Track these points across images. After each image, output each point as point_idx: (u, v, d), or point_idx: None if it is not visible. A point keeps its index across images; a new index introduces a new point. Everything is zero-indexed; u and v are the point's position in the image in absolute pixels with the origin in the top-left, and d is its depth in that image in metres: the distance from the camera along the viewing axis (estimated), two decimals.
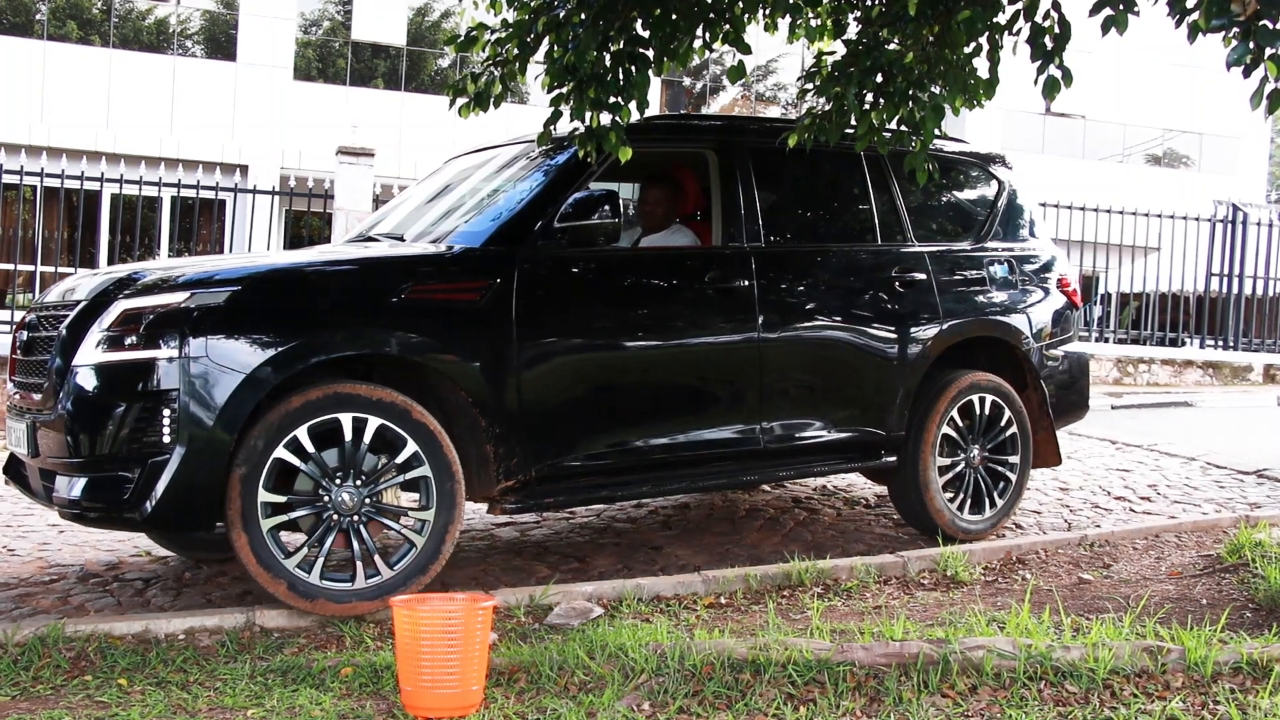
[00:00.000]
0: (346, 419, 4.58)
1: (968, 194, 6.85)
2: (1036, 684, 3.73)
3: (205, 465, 4.38)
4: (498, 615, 4.70)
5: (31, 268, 12.81)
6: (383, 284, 4.81)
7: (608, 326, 5.27)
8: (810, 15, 5.74)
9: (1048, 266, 6.85)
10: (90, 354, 4.46)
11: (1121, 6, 4.46)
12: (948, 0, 5.03)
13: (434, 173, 6.50)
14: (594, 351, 5.24)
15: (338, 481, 4.59)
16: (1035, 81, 4.88)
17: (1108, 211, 15.15)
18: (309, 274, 4.84)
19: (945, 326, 6.22)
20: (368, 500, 4.65)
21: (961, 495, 6.25)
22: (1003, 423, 6.36)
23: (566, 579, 5.41)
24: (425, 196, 6.06)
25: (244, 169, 21.70)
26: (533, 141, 5.69)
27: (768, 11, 5.45)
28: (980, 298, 6.42)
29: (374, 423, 4.63)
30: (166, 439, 4.36)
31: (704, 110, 28.14)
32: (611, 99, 5.05)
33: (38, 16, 23.49)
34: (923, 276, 6.20)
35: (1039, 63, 4.89)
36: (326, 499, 4.58)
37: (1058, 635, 4.24)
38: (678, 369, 5.47)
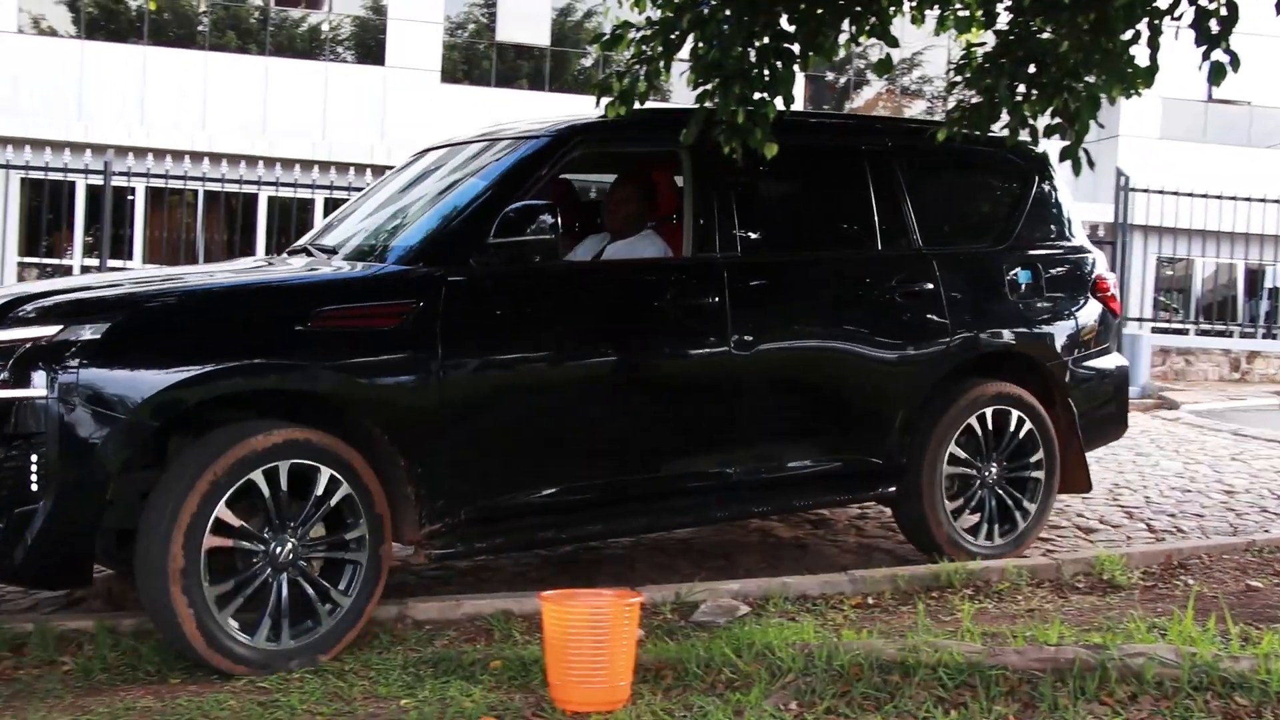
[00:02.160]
0: (260, 475, 4.09)
1: (989, 190, 6.24)
2: (1202, 695, 3.59)
3: (79, 516, 3.97)
4: (644, 612, 4.71)
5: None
6: (286, 310, 4.36)
7: (549, 351, 4.80)
8: (959, 6, 5.62)
9: (1081, 269, 6.18)
10: None
11: None
12: None
13: (399, 168, 5.93)
14: (532, 379, 4.77)
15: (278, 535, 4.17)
16: (1199, 67, 4.71)
17: (1276, 202, 14.52)
18: (198, 301, 4.41)
19: (956, 341, 5.58)
20: (311, 550, 4.24)
21: (975, 518, 5.68)
22: (1023, 438, 5.72)
23: (712, 577, 5.40)
24: (374, 200, 5.63)
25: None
26: (502, 136, 5.29)
27: (915, 3, 5.37)
28: (998, 307, 5.80)
29: (323, 471, 4.19)
30: (34, 487, 3.92)
31: (847, 106, 27.85)
32: (757, 95, 5.02)
33: (200, 28, 24.40)
34: (929, 285, 5.57)
35: (1203, 48, 4.71)
36: (268, 553, 4.15)
37: (1224, 644, 4.07)
38: (631, 396, 4.98)
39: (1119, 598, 5.12)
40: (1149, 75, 5.04)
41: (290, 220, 13.00)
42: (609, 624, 3.69)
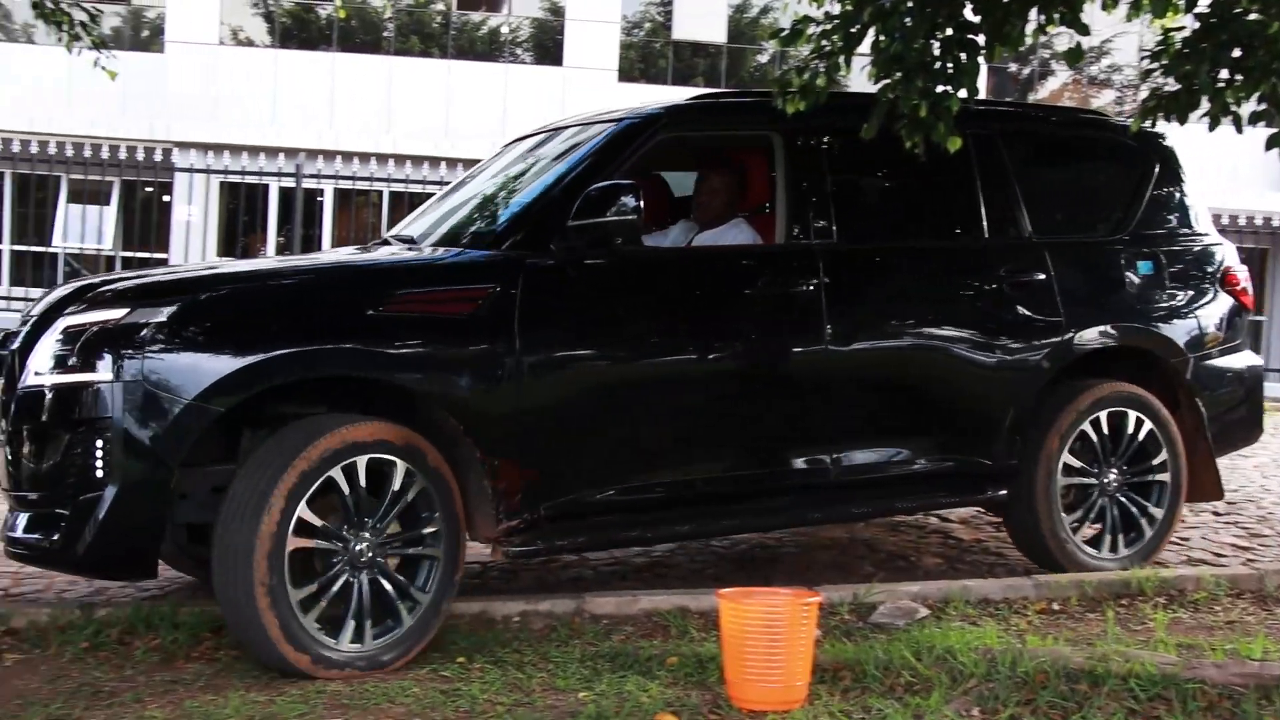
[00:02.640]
0: (363, 461, 4.02)
1: (1106, 176, 5.89)
2: None
3: (143, 505, 3.91)
4: (821, 611, 4.66)
5: None
6: (356, 294, 4.26)
7: (633, 341, 4.61)
8: None
9: (1209, 261, 5.84)
10: (33, 375, 4.06)
11: None
12: None
13: (488, 160, 5.83)
14: (616, 370, 4.57)
15: (359, 531, 4.08)
16: None
17: None
18: (266, 286, 4.32)
19: (1070, 335, 5.29)
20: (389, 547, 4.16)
21: (1094, 528, 5.37)
22: (1145, 441, 5.38)
23: (891, 578, 5.31)
24: (461, 192, 5.53)
25: None
26: (592, 122, 5.16)
27: None
28: (1117, 300, 5.50)
29: (399, 465, 4.10)
30: (99, 474, 3.88)
31: (1031, 98, 27.09)
32: (940, 87, 4.91)
33: (385, 33, 25.15)
34: (1041, 276, 5.30)
35: None
36: (348, 552, 4.06)
37: None
38: (722, 388, 4.76)
39: None
40: None
41: None
42: (786, 623, 3.66)
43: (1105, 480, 5.35)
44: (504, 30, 25.60)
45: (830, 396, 4.92)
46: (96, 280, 4.36)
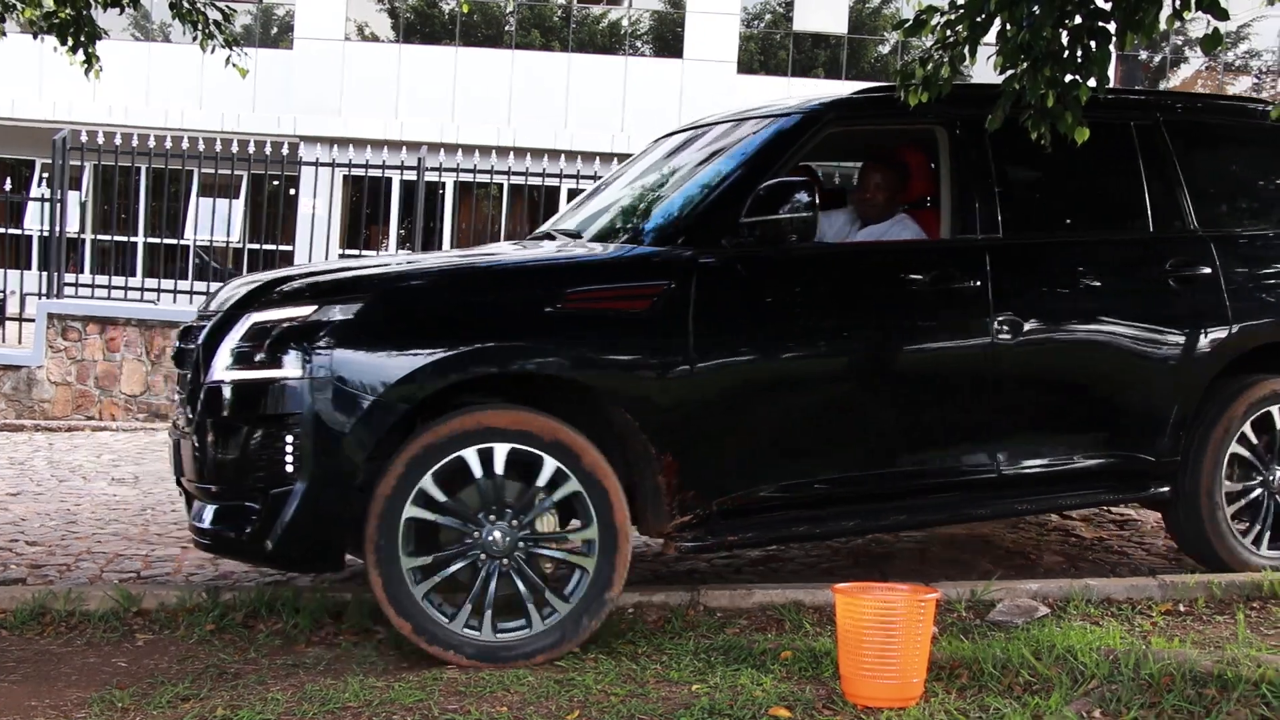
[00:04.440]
0: (503, 451, 4.08)
1: (1261, 167, 5.71)
2: None
3: (332, 499, 4.01)
4: (938, 609, 4.61)
5: None
6: (535, 291, 4.31)
7: (804, 337, 4.60)
8: None
9: None
10: (219, 370, 4.13)
11: None
12: None
13: (640, 154, 5.83)
14: (788, 366, 4.58)
15: (484, 522, 4.09)
16: None
17: None
18: (449, 282, 4.42)
19: (1235, 330, 5.16)
20: (525, 542, 4.13)
21: (1259, 526, 5.22)
22: None
23: (1010, 575, 5.23)
24: (615, 185, 5.53)
25: None
26: (745, 118, 5.13)
27: None
28: None
29: (547, 461, 4.10)
30: (289, 469, 3.99)
31: (1163, 86, 26.34)
32: (1069, 77, 4.80)
33: (507, 27, 25.43)
34: (1207, 270, 5.18)
35: None
36: (480, 538, 4.08)
37: None
38: (891, 384, 4.77)
39: None
40: None
41: None
42: (902, 619, 3.63)
43: (1271, 478, 5.25)
44: (624, 23, 25.70)
45: (997, 393, 4.87)
46: (277, 276, 4.44)
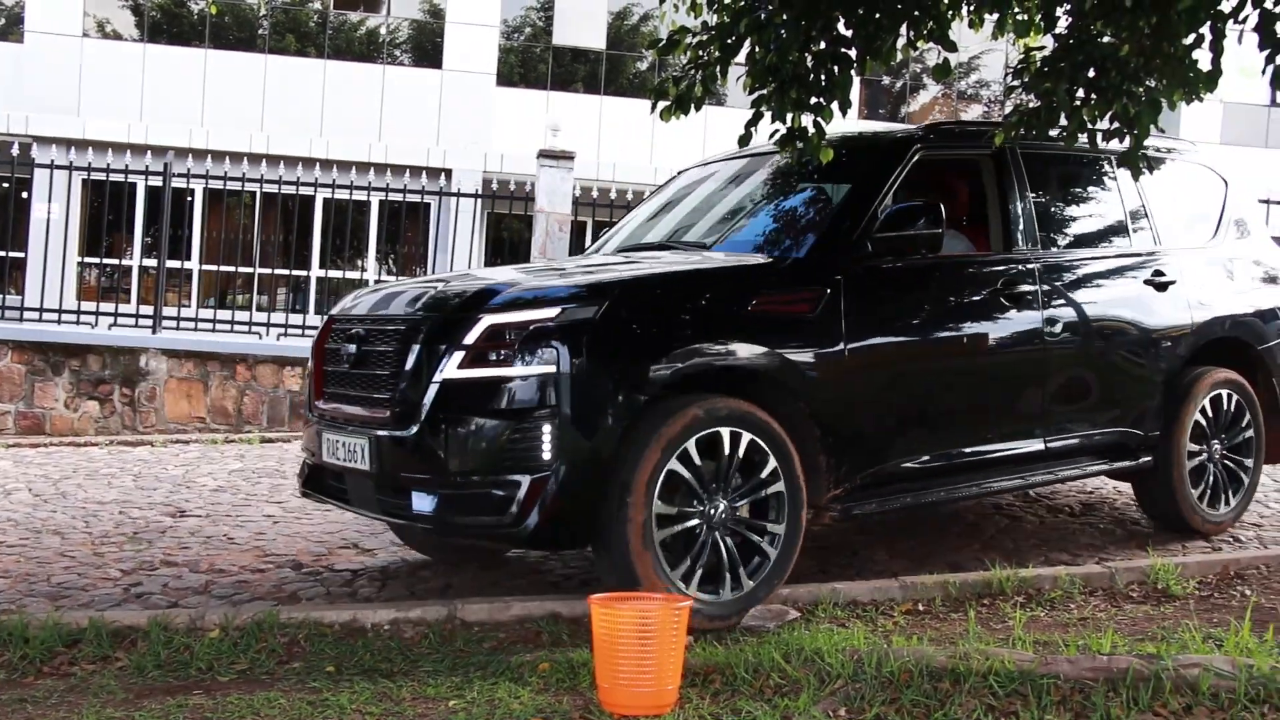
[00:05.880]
0: (726, 434, 4.57)
1: (1197, 194, 6.85)
2: (1259, 707, 3.53)
3: (585, 483, 4.37)
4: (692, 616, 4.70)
5: (250, 270, 13.47)
6: (735, 295, 4.83)
7: (916, 335, 5.35)
8: (1018, 10, 5.57)
9: (1271, 264, 6.90)
10: (457, 370, 4.44)
11: None
12: None
13: (671, 184, 6.59)
14: (906, 360, 5.29)
15: (714, 495, 4.59)
16: (1263, 72, 4.63)
17: None
18: (671, 286, 4.84)
19: (1197, 328, 6.27)
20: (735, 513, 4.64)
21: (1203, 489, 6.29)
22: (1243, 421, 6.42)
23: (909, 569, 5.46)
24: (687, 208, 6.14)
25: (448, 173, 22.33)
26: (768, 153, 5.83)
27: (973, 8, 5.32)
28: (1221, 298, 6.46)
29: (746, 438, 4.61)
30: (547, 456, 4.34)
31: (903, 111, 27.68)
32: (813, 99, 5.00)
33: (260, 31, 24.67)
34: (1175, 279, 6.24)
35: (1267, 52, 4.64)
36: (706, 513, 4.57)
37: None
38: (979, 374, 5.56)
39: (1174, 607, 5.04)
40: (1211, 80, 4.97)
41: (346, 222, 13.10)
42: (657, 628, 3.69)
43: (1213, 449, 6.33)
44: (382, 31, 25.30)
45: (1046, 378, 5.73)
46: (488, 282, 4.82)
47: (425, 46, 25.30)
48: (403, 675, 4.07)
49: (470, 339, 4.43)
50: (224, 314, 12.77)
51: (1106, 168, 6.36)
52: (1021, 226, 5.82)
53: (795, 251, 5.21)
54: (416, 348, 4.55)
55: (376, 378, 4.78)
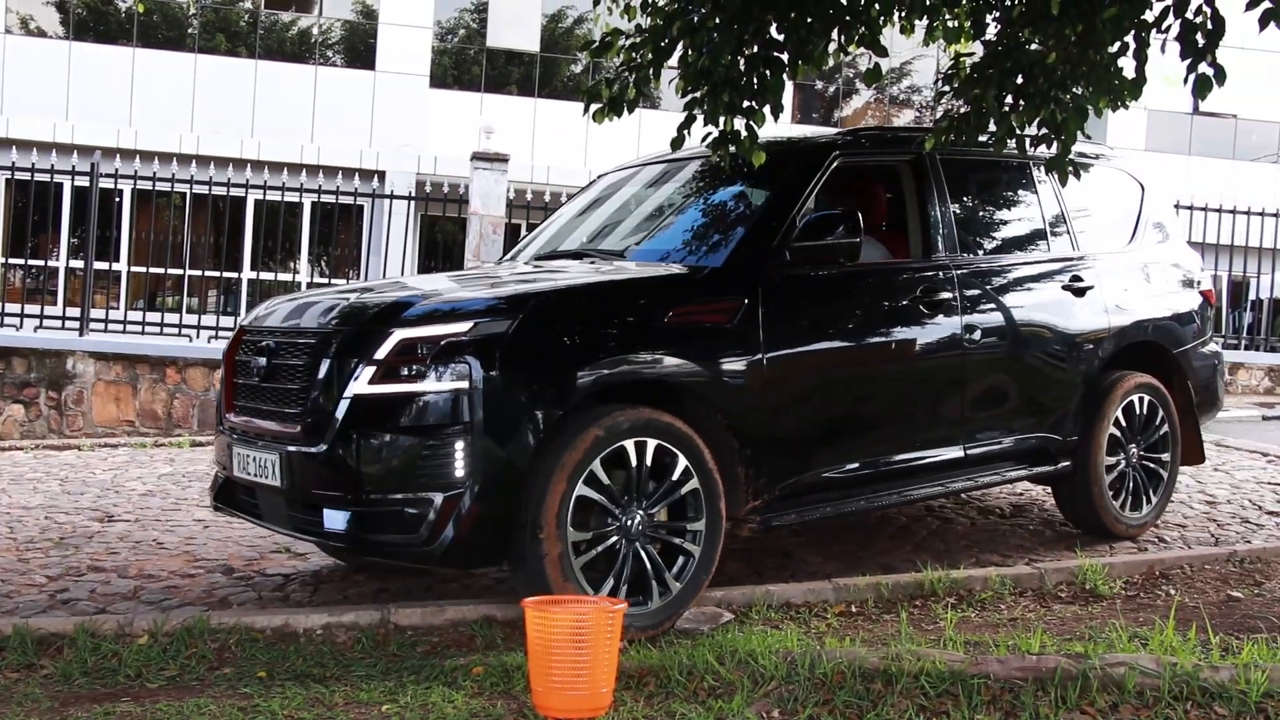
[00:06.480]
0: (631, 445, 4.50)
1: (1114, 200, 6.85)
2: (1182, 705, 3.60)
3: (500, 500, 4.31)
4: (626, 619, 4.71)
5: (181, 272, 13.28)
6: (649, 306, 4.75)
7: (836, 344, 5.29)
8: (948, 16, 5.64)
9: (1188, 268, 6.95)
10: (368, 385, 4.34)
11: None
12: None
13: (592, 187, 6.52)
14: (826, 370, 5.24)
15: (629, 508, 4.54)
16: (1185, 80, 4.73)
17: (1260, 214, 14.59)
18: (585, 298, 4.75)
19: (1114, 332, 6.31)
20: (652, 519, 4.60)
21: (1122, 494, 6.34)
22: (1157, 423, 6.47)
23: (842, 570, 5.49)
24: (605, 213, 6.10)
25: (381, 175, 22.19)
26: (689, 158, 5.84)
27: (904, 13, 5.38)
28: (1139, 302, 6.50)
29: (651, 444, 4.55)
30: (460, 473, 4.26)
31: (836, 115, 27.91)
32: (746, 103, 5.03)
33: (189, 30, 24.35)
34: (1092, 284, 6.26)
35: (1189, 60, 4.73)
36: (624, 526, 4.52)
37: (1205, 654, 4.09)
38: (898, 383, 5.53)
39: (1101, 607, 5.13)
40: (1136, 88, 5.07)
41: (278, 224, 12.97)
42: (592, 631, 3.69)
43: (1130, 453, 6.38)
44: (314, 31, 25.07)
45: (964, 387, 5.70)
46: (400, 295, 4.76)
47: (358, 47, 25.12)
48: (335, 680, 4.03)
49: (381, 354, 4.33)
50: (154, 316, 12.60)
51: (1026, 174, 6.36)
52: (940, 233, 5.79)
53: (712, 260, 5.12)
54: (328, 361, 4.45)
55: (287, 391, 4.66)
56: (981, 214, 6.27)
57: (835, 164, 5.46)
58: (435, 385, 4.27)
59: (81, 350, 10.41)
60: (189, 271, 12.85)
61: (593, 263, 5.44)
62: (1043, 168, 6.04)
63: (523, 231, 21.49)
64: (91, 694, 3.90)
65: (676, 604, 4.62)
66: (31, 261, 15.35)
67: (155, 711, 3.69)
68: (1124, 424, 6.30)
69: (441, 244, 22.53)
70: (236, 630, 4.49)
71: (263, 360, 4.79)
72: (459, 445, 4.25)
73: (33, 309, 11.82)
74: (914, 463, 5.53)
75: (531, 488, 4.33)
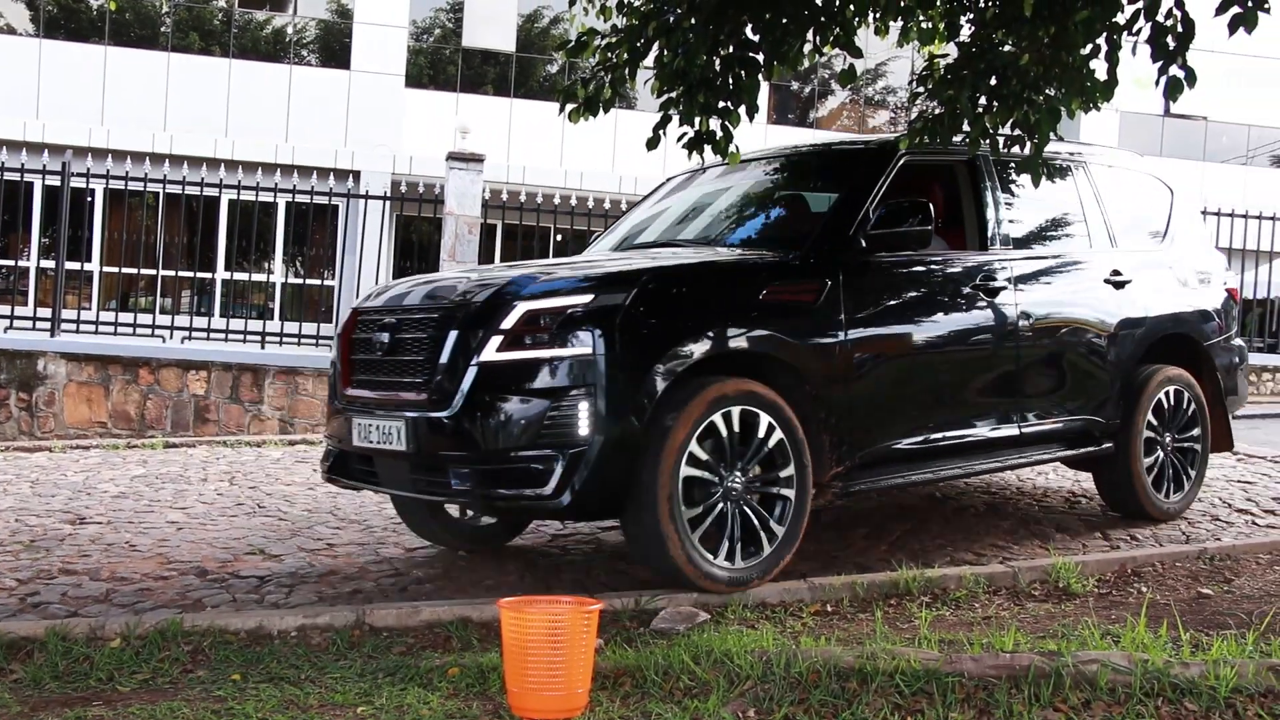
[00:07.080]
0: (737, 412, 4.86)
1: (1148, 202, 7.33)
2: (1153, 701, 3.63)
3: (620, 456, 4.65)
4: (603, 619, 4.70)
5: (154, 272, 13.21)
6: (747, 285, 5.14)
7: (908, 323, 5.71)
8: (922, 18, 5.67)
9: (1214, 266, 7.44)
10: (495, 353, 4.72)
11: (1251, 3, 4.33)
12: (1065, 1, 4.93)
13: (660, 189, 7.03)
14: (900, 347, 5.63)
15: (733, 470, 4.90)
16: (1156, 83, 4.76)
17: (1229, 215, 14.72)
18: (693, 275, 5.14)
19: (1150, 324, 6.75)
20: (751, 486, 4.97)
21: (1159, 479, 6.74)
22: (1190, 413, 6.90)
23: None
24: (680, 209, 6.55)
25: (356, 175, 22.11)
26: (747, 161, 6.29)
27: (879, 15, 5.40)
28: (1172, 298, 6.95)
29: (762, 416, 4.92)
30: (584, 431, 4.62)
31: (811, 116, 27.97)
32: (721, 103, 5.04)
33: (162, 28, 24.21)
34: (1130, 279, 6.69)
35: (1160, 63, 4.77)
36: (726, 485, 4.90)
37: (1176, 651, 4.12)
38: (962, 362, 5.93)
39: (1074, 605, 5.16)
40: (1108, 89, 5.11)
41: (251, 223, 12.90)
42: (567, 632, 3.69)
43: (1165, 441, 6.80)
44: (289, 30, 24.97)
45: (1018, 368, 6.11)
46: (517, 273, 5.06)
47: (333, 47, 25.03)
48: (310, 682, 4.01)
49: (508, 324, 4.71)
50: (126, 317, 12.51)
51: (1068, 175, 6.79)
52: (995, 227, 6.22)
53: (798, 246, 5.48)
54: (454, 333, 4.81)
55: (412, 363, 5.00)
56: (1030, 211, 6.61)
57: (903, 161, 5.84)
58: (559, 351, 4.66)
59: (53, 351, 10.35)
60: (162, 272, 12.78)
61: (687, 249, 5.80)
62: (1044, 169, 6.21)
63: (498, 231, 21.44)
64: (62, 698, 3.87)
65: (785, 546, 5.05)
66: (2, 261, 15.24)
67: (127, 715, 3.67)
68: (1164, 409, 6.72)
69: (417, 244, 22.49)
70: (210, 632, 4.46)
71: (385, 336, 5.14)
72: (583, 406, 4.62)
73: (3, 309, 11.74)
74: (975, 438, 5.93)
75: (647, 446, 4.69)
